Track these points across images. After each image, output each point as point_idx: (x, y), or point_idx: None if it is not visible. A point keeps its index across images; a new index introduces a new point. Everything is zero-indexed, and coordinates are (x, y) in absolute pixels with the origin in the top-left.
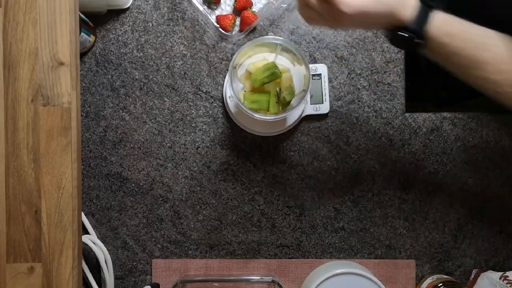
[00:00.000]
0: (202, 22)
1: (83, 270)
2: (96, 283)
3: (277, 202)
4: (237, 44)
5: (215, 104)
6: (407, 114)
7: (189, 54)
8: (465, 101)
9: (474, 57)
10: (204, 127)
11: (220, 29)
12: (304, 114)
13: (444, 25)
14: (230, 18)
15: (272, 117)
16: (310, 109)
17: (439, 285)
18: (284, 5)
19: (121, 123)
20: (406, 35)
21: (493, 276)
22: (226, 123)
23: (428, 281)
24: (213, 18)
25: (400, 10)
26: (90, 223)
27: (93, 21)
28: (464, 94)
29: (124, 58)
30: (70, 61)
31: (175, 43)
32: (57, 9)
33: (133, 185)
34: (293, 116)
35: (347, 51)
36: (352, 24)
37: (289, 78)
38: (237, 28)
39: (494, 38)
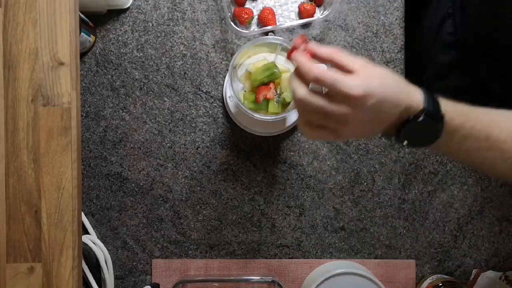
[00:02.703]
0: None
1: (83, 270)
2: (96, 283)
3: (277, 202)
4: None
5: (215, 104)
6: None
7: (189, 54)
8: (465, 102)
9: (487, 137)
10: (204, 127)
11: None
12: None
13: (454, 106)
14: (247, 12)
15: (272, 117)
16: None
17: (439, 285)
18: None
19: (121, 123)
20: (426, 119)
21: (493, 276)
22: (226, 123)
23: (428, 281)
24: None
25: (411, 91)
26: (90, 223)
27: (93, 21)
28: (463, 95)
29: (124, 58)
30: (70, 61)
31: (175, 43)
32: (57, 9)
33: (133, 185)
34: (293, 116)
35: (347, 51)
36: (360, 121)
37: (289, 78)
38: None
39: (502, 115)
